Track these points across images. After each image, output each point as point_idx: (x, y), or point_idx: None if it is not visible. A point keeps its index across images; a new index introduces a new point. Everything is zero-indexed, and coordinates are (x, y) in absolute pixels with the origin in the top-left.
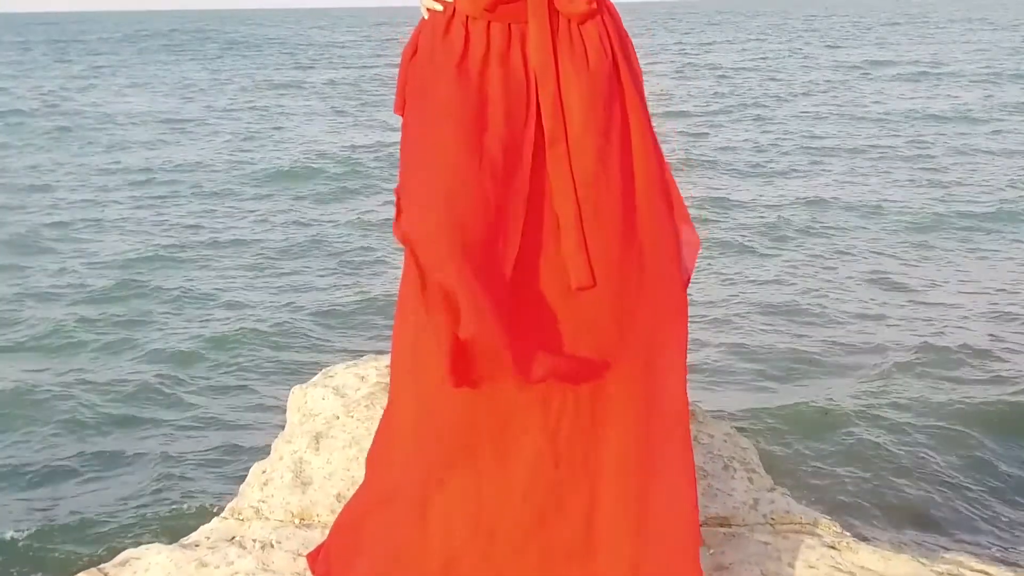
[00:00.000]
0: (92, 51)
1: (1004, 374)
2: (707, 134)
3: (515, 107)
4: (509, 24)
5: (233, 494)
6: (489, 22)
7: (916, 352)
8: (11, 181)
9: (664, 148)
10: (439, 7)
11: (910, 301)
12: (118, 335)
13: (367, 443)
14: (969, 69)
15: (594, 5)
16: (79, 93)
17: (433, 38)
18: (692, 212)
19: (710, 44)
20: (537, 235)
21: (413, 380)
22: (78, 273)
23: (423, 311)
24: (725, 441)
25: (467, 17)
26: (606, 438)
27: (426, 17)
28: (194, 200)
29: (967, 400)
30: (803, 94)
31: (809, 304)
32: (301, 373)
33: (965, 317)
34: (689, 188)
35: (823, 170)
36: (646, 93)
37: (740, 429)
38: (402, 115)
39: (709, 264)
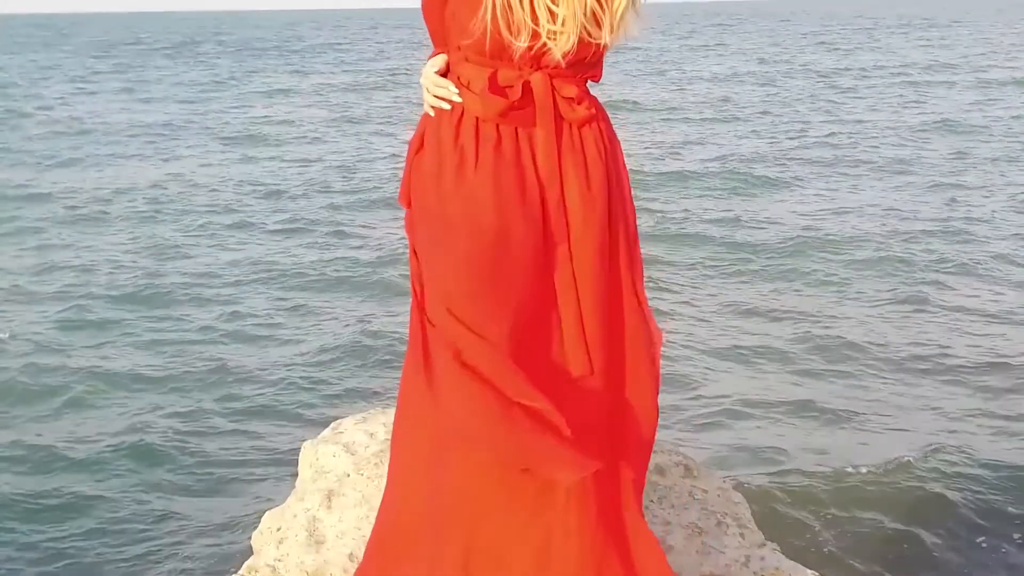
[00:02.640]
0: (89, 55)
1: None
2: (710, 143)
3: (531, 208)
4: (516, 128)
5: (242, 542)
6: (498, 125)
7: (918, 399)
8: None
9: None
10: (446, 106)
11: (920, 337)
12: (113, 370)
13: (377, 501)
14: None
15: (592, 111)
16: (76, 100)
17: (442, 139)
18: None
19: (707, 48)
20: (547, 326)
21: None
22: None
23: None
24: (718, 496)
25: (477, 119)
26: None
27: (431, 115)
28: (187, 222)
29: (973, 454)
30: (810, 101)
31: (809, 341)
32: (309, 418)
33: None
34: (679, 203)
35: (815, 183)
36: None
37: (733, 480)
38: (407, 207)
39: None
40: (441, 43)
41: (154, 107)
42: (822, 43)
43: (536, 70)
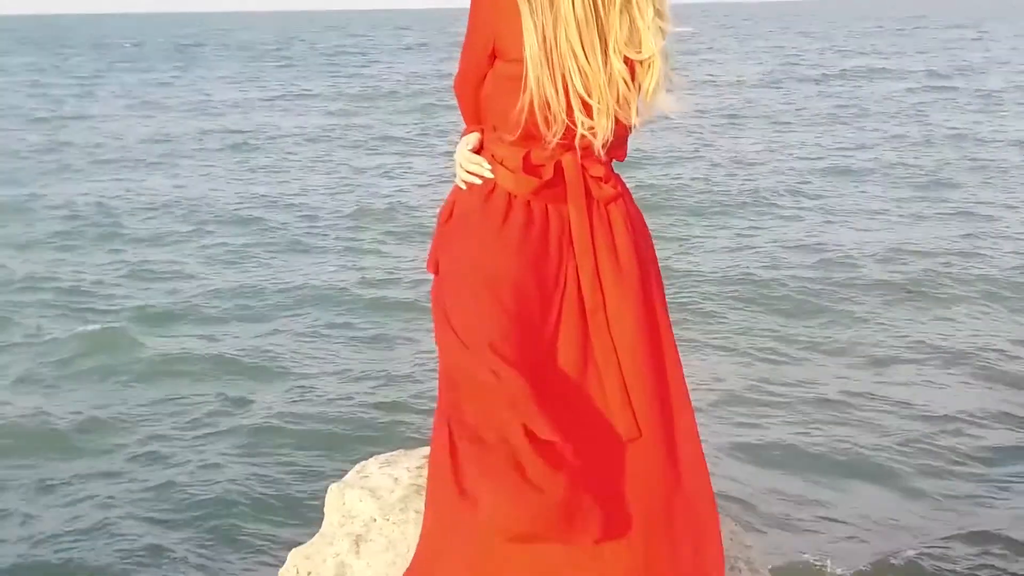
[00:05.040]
0: (101, 58)
1: None
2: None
3: (548, 277)
4: (547, 204)
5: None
6: (529, 200)
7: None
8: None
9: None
10: (478, 181)
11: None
12: (134, 395)
13: (402, 547)
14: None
15: (618, 188)
16: (82, 106)
17: (471, 211)
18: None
19: (713, 51)
20: (585, 393)
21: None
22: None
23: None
24: (730, 540)
25: (509, 193)
26: None
27: (463, 188)
28: (203, 241)
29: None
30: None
31: (821, 375)
32: (333, 454)
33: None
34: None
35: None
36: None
37: (745, 523)
38: (434, 273)
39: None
40: (473, 120)
41: (168, 115)
42: (833, 46)
43: (567, 151)
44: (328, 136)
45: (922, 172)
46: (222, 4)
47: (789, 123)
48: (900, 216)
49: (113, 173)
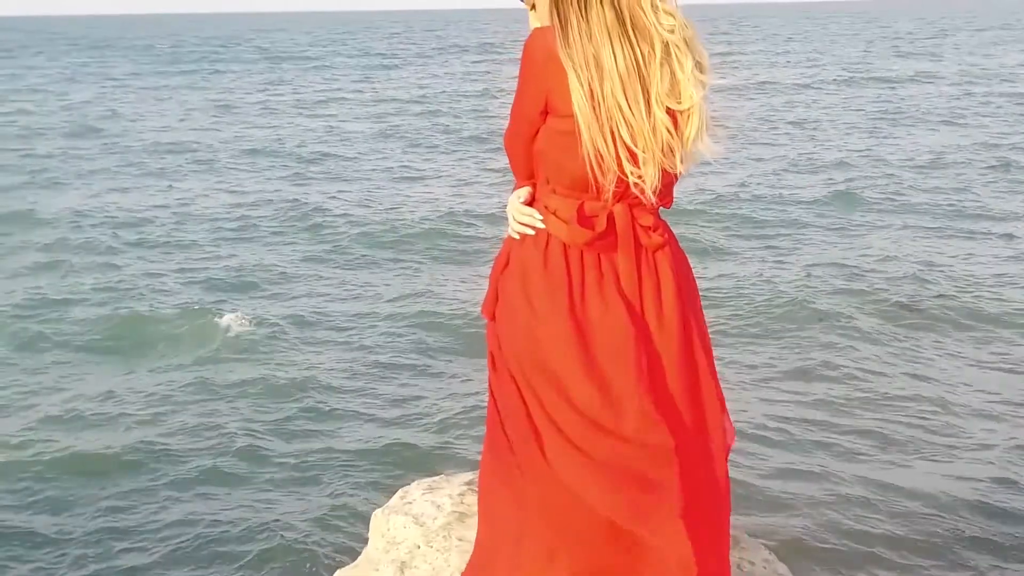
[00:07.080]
0: (123, 59)
1: None
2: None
3: (615, 328)
4: (599, 254)
5: None
6: (583, 251)
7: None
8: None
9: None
10: (531, 232)
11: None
12: (174, 414)
13: (447, 574)
14: None
15: (665, 236)
16: (116, 111)
17: (528, 262)
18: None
19: (730, 55)
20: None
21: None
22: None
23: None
24: (764, 568)
25: (564, 244)
26: None
27: (516, 238)
28: (250, 265)
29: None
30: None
31: (853, 399)
32: (374, 477)
33: None
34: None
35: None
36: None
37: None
38: (489, 319)
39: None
40: (524, 175)
41: (209, 121)
42: (867, 51)
43: (618, 201)
44: (371, 140)
45: (971, 188)
46: (242, 5)
47: (822, 129)
48: (947, 230)
49: (151, 179)
